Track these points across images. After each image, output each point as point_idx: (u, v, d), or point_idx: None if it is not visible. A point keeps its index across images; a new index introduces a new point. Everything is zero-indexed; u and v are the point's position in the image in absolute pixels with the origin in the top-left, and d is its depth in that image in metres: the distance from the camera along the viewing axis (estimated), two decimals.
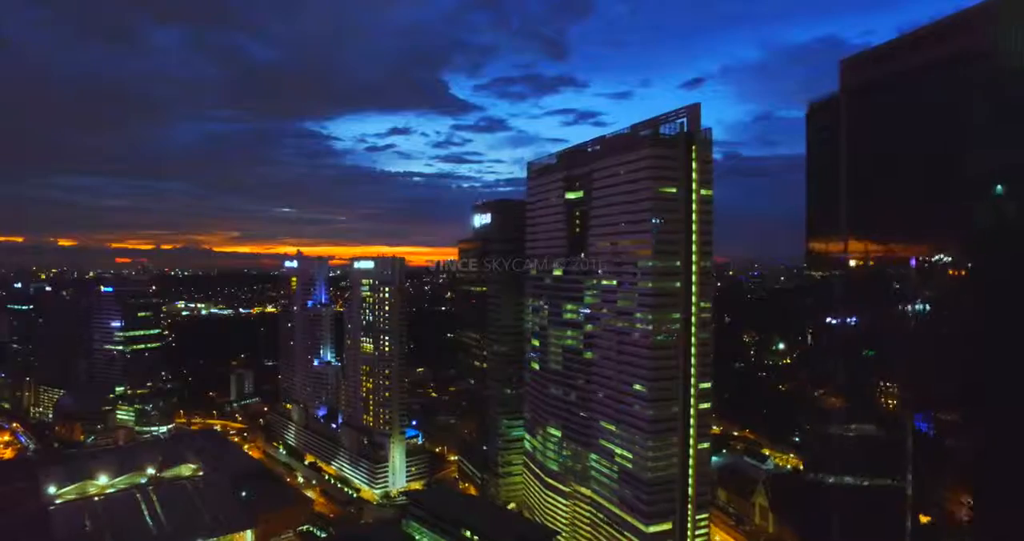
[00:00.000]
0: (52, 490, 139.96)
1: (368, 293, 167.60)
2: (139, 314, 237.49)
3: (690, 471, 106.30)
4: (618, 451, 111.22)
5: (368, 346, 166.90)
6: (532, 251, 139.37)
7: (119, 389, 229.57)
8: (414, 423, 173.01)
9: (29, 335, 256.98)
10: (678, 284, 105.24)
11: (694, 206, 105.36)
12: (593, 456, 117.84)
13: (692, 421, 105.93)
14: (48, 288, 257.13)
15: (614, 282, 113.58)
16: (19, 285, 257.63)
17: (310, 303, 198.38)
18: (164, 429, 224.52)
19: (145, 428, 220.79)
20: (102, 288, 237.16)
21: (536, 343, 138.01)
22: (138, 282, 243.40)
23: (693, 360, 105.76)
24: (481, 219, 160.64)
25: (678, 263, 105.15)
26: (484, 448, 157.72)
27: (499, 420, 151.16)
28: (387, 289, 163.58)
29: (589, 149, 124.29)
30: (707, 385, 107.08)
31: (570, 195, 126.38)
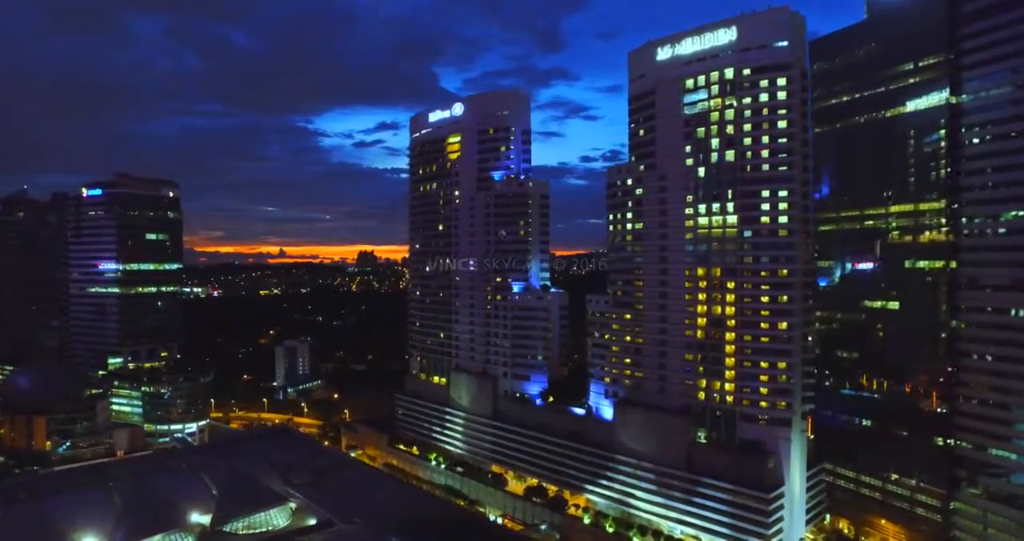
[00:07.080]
0: None
1: (716, 100, 73.74)
2: (146, 236, 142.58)
3: None
4: None
5: (712, 221, 73.19)
6: None
7: (114, 361, 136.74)
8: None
9: None
10: None
11: None
12: None
13: None
14: None
15: None
16: None
17: (498, 175, 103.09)
18: (194, 427, 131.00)
19: (162, 426, 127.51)
20: (85, 192, 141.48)
21: None
22: (144, 184, 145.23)
23: None
24: None
25: None
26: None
27: None
28: (778, 81, 69.79)
29: None
30: None
31: None
